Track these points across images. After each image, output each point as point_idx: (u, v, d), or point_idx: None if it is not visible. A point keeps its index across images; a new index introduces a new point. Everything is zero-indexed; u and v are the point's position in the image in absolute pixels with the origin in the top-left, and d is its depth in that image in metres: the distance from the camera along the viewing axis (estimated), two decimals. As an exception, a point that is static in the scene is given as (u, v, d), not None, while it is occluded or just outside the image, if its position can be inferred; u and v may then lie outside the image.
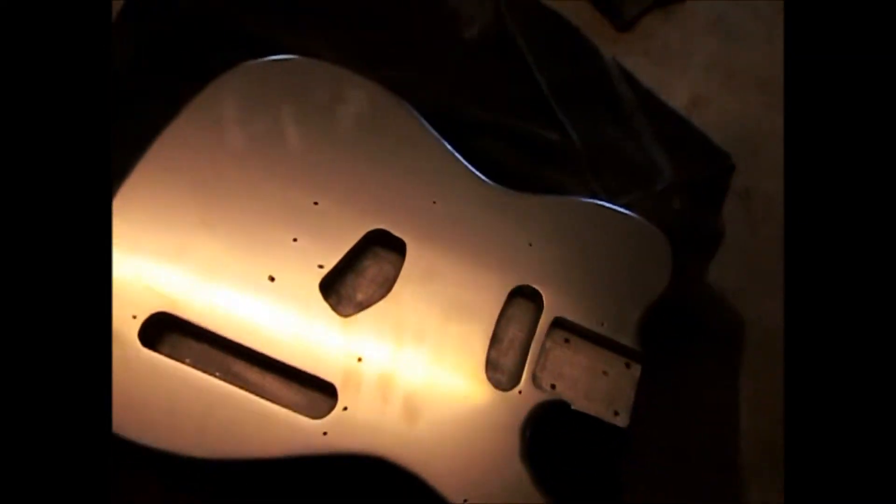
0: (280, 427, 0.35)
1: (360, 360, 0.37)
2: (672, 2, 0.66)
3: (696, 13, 0.67)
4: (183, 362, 0.36)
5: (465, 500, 0.35)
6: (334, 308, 0.39)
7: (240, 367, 0.38)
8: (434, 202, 0.42)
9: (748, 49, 0.65)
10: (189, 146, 0.41)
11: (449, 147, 0.44)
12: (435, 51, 0.56)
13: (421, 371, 0.38)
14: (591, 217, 0.44)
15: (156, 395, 0.35)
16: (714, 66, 0.64)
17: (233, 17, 0.53)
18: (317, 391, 0.38)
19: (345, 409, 0.36)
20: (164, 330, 0.38)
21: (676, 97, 0.60)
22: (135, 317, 0.36)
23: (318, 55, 0.51)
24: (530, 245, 0.42)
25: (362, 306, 0.40)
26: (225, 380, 0.36)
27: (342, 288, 0.40)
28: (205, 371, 0.36)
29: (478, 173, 0.43)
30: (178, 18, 0.52)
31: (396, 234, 0.40)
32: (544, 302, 0.41)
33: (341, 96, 0.44)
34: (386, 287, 0.41)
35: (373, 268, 0.42)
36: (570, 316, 0.41)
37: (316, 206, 0.40)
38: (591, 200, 0.45)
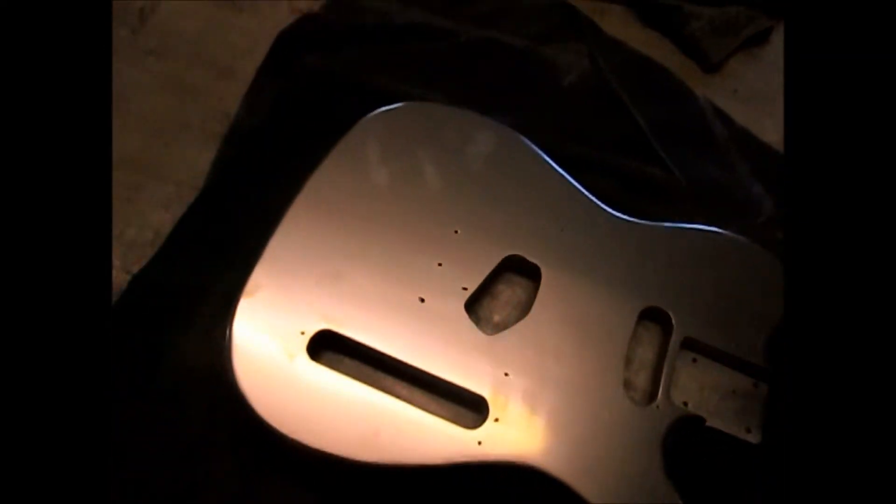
0: (439, 436, 0.38)
1: (507, 374, 0.40)
2: (755, 44, 0.69)
3: (779, 52, 0.70)
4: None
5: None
6: (477, 326, 0.41)
7: (389, 382, 0.41)
8: (562, 230, 0.45)
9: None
10: (339, 184, 0.45)
11: (570, 179, 0.48)
12: (539, 98, 0.60)
13: (564, 386, 0.40)
14: (709, 243, 0.46)
15: (325, 404, 0.38)
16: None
17: (357, 72, 0.59)
18: (462, 404, 0.41)
19: (496, 420, 0.38)
20: (323, 347, 0.41)
21: (768, 134, 0.63)
22: (303, 333, 0.40)
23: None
24: (654, 270, 0.44)
25: (500, 326, 0.43)
26: (384, 392, 0.39)
27: (480, 309, 0.43)
28: (367, 383, 0.39)
29: (599, 202, 0.47)
30: (309, 75, 0.58)
31: (531, 259, 0.44)
32: (673, 322, 0.43)
33: (470, 137, 0.48)
34: (520, 309, 0.44)
35: (506, 292, 0.45)
36: (699, 336, 0.43)
37: (456, 235, 0.44)
38: (707, 228, 0.47)
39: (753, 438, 0.41)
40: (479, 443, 0.38)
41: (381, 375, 0.41)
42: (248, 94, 0.58)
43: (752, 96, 0.66)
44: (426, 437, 0.37)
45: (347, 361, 0.41)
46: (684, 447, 0.41)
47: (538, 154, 0.48)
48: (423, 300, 0.41)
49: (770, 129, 0.64)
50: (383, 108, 0.49)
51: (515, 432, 0.38)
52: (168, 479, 0.42)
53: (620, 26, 0.69)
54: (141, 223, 0.52)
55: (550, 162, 0.48)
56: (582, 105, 0.60)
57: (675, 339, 0.42)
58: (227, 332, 0.40)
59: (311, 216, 0.44)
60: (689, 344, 0.43)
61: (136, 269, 0.49)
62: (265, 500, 0.42)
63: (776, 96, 0.67)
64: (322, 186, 0.45)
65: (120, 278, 0.49)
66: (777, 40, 0.70)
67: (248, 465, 0.43)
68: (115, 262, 0.50)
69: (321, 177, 0.45)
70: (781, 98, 0.67)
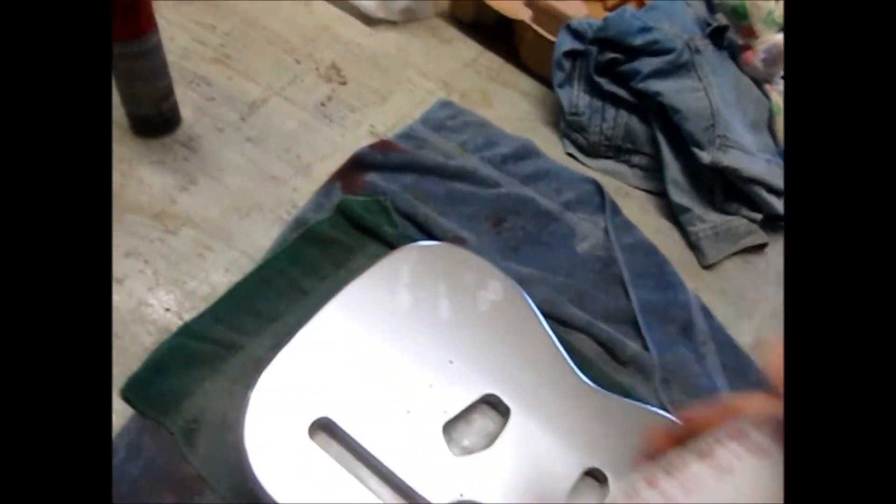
0: (391, 531, 0.45)
1: (461, 495, 0.48)
2: (751, 252, 0.80)
3: (769, 264, 0.80)
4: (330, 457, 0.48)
5: None
6: (447, 446, 0.50)
7: (365, 473, 0.49)
8: (538, 385, 0.54)
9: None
10: (369, 297, 0.55)
11: (556, 341, 0.57)
12: (554, 257, 0.71)
13: (504, 516, 0.47)
14: (657, 423, 0.54)
15: (310, 478, 0.46)
16: (778, 315, 0.75)
17: (408, 198, 0.70)
18: (418, 510, 0.49)
19: (441, 531, 0.46)
20: (320, 429, 0.50)
21: (743, 336, 0.71)
22: (307, 415, 0.49)
23: (465, 241, 0.67)
24: (605, 435, 0.52)
25: (466, 450, 0.51)
26: (359, 481, 0.47)
27: (454, 432, 0.52)
28: (346, 469, 0.47)
29: (574, 367, 0.55)
30: (370, 191, 0.70)
31: (505, 401, 0.52)
32: (609, 486, 0.50)
33: (484, 283, 0.58)
34: (487, 439, 0.52)
35: (479, 421, 0.53)
36: (628, 504, 0.50)
37: (451, 364, 0.53)
38: (660, 412, 0.55)
39: None
40: (423, 547, 0.45)
41: (359, 466, 0.49)
42: (318, 194, 0.70)
43: (738, 299, 0.75)
44: (381, 529, 0.45)
45: (335, 446, 0.50)
46: None
47: (535, 313, 0.58)
48: (409, 412, 0.50)
49: (746, 332, 0.73)
50: (422, 243, 0.60)
51: (454, 546, 0.46)
52: (161, 500, 0.50)
53: (639, 210, 0.80)
54: (202, 278, 0.62)
55: (543, 323, 0.57)
56: (587, 271, 0.70)
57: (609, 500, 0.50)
58: (248, 395, 0.49)
59: (340, 316, 0.54)
60: (618, 508, 0.50)
61: (187, 316, 0.59)
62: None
63: (759, 303, 0.77)
64: (356, 294, 0.55)
65: (171, 321, 0.59)
66: (772, 254, 0.81)
67: (230, 509, 0.50)
68: (173, 307, 0.60)
69: (358, 286, 0.55)
70: (763, 305, 0.77)
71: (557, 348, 0.56)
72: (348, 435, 0.49)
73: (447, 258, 0.59)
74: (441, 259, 0.59)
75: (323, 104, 0.79)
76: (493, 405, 0.53)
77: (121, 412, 0.54)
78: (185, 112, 0.73)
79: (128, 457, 0.52)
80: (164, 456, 0.52)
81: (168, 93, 0.69)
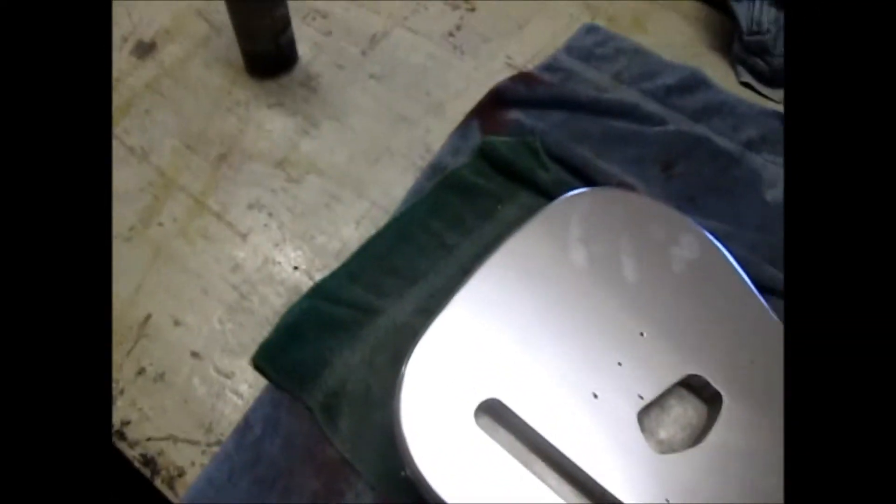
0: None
1: (666, 500, 0.38)
2: None
3: None
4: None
5: None
6: (645, 439, 0.40)
7: (541, 467, 0.40)
8: (752, 361, 0.42)
9: None
10: (535, 252, 0.45)
11: (767, 306, 0.45)
12: (738, 206, 0.58)
13: (725, 531, 0.37)
14: None
15: (479, 470, 0.38)
16: None
17: (559, 139, 0.59)
18: (609, 515, 0.39)
19: (647, 546, 0.37)
20: (484, 412, 0.41)
21: None
22: (473, 394, 0.40)
23: (633, 189, 0.56)
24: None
25: (663, 445, 0.41)
26: (536, 476, 0.38)
27: (648, 421, 0.42)
28: (520, 461, 0.39)
29: (797, 344, 0.44)
30: (514, 131, 0.60)
31: (715, 385, 0.41)
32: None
33: (676, 238, 0.47)
34: (688, 432, 0.42)
35: (677, 409, 0.43)
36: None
37: (642, 338, 0.43)
38: None
39: None
40: (624, 564, 0.36)
41: (534, 458, 0.41)
42: (453, 135, 0.60)
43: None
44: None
45: (505, 434, 0.41)
46: None
47: (739, 273, 0.46)
48: (596, 396, 0.40)
49: None
50: (594, 188, 0.49)
51: (665, 566, 0.36)
52: (302, 485, 0.44)
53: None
54: (332, 233, 0.55)
55: (750, 285, 0.46)
56: (777, 225, 0.57)
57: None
58: (402, 369, 0.41)
59: (502, 277, 0.44)
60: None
61: (318, 275, 0.52)
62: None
63: None
64: (518, 251, 0.46)
65: (302, 281, 0.52)
66: None
67: (380, 499, 0.43)
68: (302, 264, 0.53)
69: (520, 241, 0.46)
70: None
71: (772, 317, 0.44)
72: (522, 421, 0.40)
73: (627, 207, 0.48)
74: (620, 208, 0.48)
75: (451, 34, 0.68)
76: (696, 390, 0.43)
77: (253, 383, 0.48)
78: (302, 49, 0.65)
79: (265, 434, 0.46)
80: (304, 434, 0.45)
81: (286, 24, 0.61)
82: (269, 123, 0.61)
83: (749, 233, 0.56)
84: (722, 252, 0.47)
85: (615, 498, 0.38)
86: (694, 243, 0.47)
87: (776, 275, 0.53)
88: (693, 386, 0.43)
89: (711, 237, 0.47)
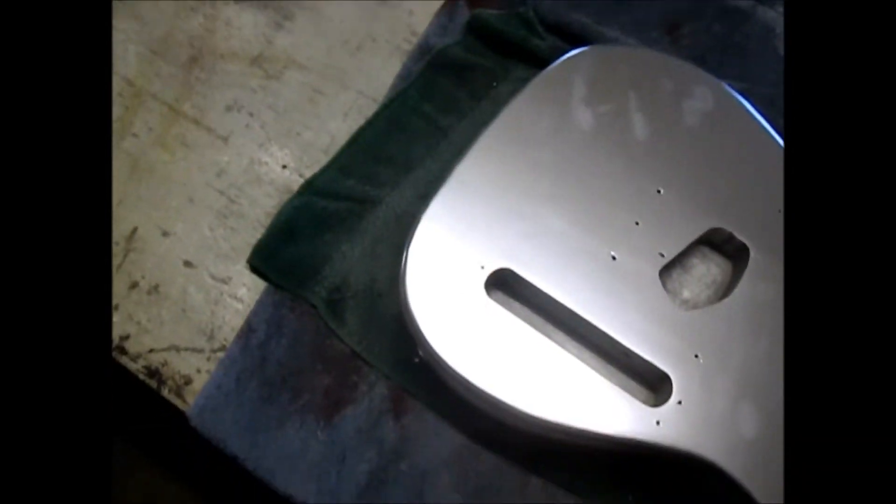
0: (614, 405, 0.35)
1: (696, 356, 0.36)
2: None
3: None
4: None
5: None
6: (669, 298, 0.38)
7: (559, 337, 0.39)
8: (780, 210, 0.39)
9: None
10: (537, 118, 0.42)
11: (791, 158, 0.42)
12: (752, 63, 0.54)
13: (759, 382, 0.35)
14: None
15: (497, 346, 0.36)
16: None
17: (556, 8, 0.54)
18: (635, 379, 0.38)
19: (679, 402, 0.35)
20: (496, 286, 0.39)
21: None
22: (483, 267, 0.38)
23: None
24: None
25: (688, 304, 0.39)
26: (557, 345, 0.36)
27: (670, 281, 0.39)
28: (540, 332, 0.37)
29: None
30: (506, 3, 0.55)
31: (740, 237, 0.39)
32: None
33: (687, 91, 0.43)
34: (713, 290, 0.40)
35: (700, 267, 0.40)
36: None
37: (659, 195, 0.40)
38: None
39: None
40: (658, 423, 0.34)
41: (551, 328, 0.39)
42: (439, 14, 0.55)
43: None
44: (599, 402, 0.35)
45: (517, 306, 0.39)
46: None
47: (759, 121, 0.43)
48: (614, 258, 0.38)
49: None
50: (595, 46, 0.45)
51: (697, 420, 0.35)
52: (312, 382, 0.42)
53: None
54: (318, 127, 0.51)
55: (773, 132, 0.42)
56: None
57: None
58: (405, 251, 0.38)
59: (504, 146, 0.41)
60: None
61: (308, 172, 0.49)
62: (405, 422, 0.41)
63: None
64: (518, 116, 0.42)
65: (292, 180, 0.49)
66: None
67: (394, 388, 0.42)
68: (290, 163, 0.50)
69: (518, 107, 0.42)
70: None
71: (798, 167, 0.41)
72: (538, 290, 0.37)
73: (633, 63, 0.44)
74: (625, 65, 0.44)
75: None
76: (719, 245, 0.40)
77: (252, 286, 0.46)
78: (265, -64, 0.59)
79: (269, 335, 0.44)
80: (311, 332, 0.44)
81: None
82: (238, 19, 0.56)
83: (765, 88, 0.52)
84: (739, 101, 0.43)
85: (641, 358, 0.36)
86: (708, 94, 0.43)
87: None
88: (715, 242, 0.40)
89: (727, 86, 0.43)
